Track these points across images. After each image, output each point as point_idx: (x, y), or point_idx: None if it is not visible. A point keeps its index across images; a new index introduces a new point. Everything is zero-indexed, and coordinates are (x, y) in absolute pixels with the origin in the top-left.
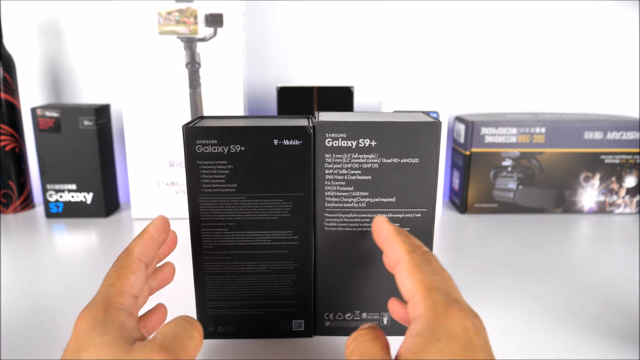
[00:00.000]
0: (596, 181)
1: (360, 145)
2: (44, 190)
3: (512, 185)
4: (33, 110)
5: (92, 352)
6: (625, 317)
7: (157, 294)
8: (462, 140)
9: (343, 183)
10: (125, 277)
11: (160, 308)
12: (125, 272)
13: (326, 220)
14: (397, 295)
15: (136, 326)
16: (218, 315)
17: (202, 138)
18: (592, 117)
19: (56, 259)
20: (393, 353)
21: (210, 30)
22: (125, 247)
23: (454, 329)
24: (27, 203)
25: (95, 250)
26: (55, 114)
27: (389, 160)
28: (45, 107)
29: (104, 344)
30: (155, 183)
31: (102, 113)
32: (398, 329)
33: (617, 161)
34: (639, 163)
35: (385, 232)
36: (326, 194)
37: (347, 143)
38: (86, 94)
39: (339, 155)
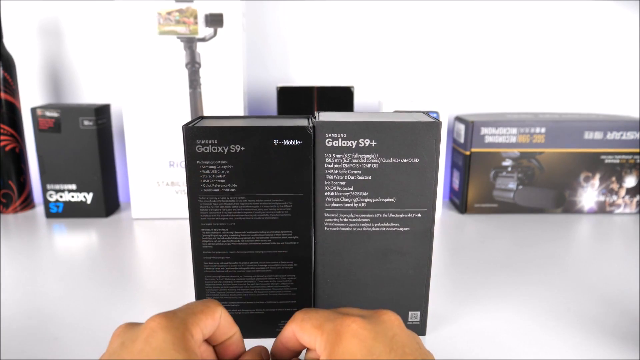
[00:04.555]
0: (596, 181)
1: (360, 145)
2: (44, 190)
3: (512, 185)
4: (33, 110)
5: None
6: (625, 317)
7: (157, 294)
8: (462, 140)
9: (343, 183)
10: (206, 316)
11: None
12: (209, 312)
13: (326, 220)
14: (398, 295)
15: None
16: None
17: (202, 138)
18: (592, 117)
19: (56, 259)
20: None
21: (210, 30)
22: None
23: (348, 348)
24: (27, 203)
25: (95, 250)
26: (55, 114)
27: (389, 160)
28: (45, 107)
29: None
30: (155, 183)
31: (102, 113)
32: None
33: (617, 161)
34: (639, 163)
35: (279, 345)
36: (326, 194)
37: (347, 143)
38: (86, 94)
39: (339, 155)
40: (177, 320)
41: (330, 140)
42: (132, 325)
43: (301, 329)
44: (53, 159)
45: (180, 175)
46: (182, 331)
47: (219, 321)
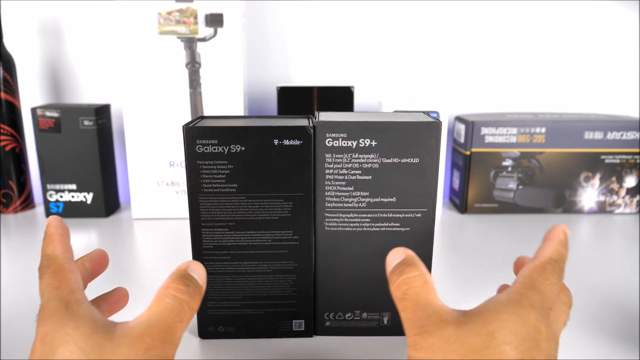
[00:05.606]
0: (596, 181)
1: (360, 145)
2: (44, 190)
3: (512, 185)
4: (33, 110)
5: (72, 347)
6: (625, 317)
7: None
8: (462, 140)
9: (343, 183)
10: (66, 279)
11: (118, 291)
12: (63, 275)
13: (326, 220)
14: None
15: (103, 315)
16: (218, 315)
17: (202, 138)
18: (592, 117)
19: None
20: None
21: (210, 30)
22: (42, 255)
23: (530, 319)
24: (27, 203)
25: None
26: (55, 114)
27: (389, 160)
28: (45, 107)
29: (82, 336)
30: (155, 183)
31: (102, 113)
32: (399, 329)
33: (617, 161)
34: (639, 163)
35: (553, 240)
36: (326, 194)
37: (347, 143)
38: (86, 94)
39: (339, 155)
40: (52, 305)
41: (331, 140)
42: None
43: (532, 270)
44: (53, 159)
45: (180, 175)
46: (65, 307)
47: (75, 268)
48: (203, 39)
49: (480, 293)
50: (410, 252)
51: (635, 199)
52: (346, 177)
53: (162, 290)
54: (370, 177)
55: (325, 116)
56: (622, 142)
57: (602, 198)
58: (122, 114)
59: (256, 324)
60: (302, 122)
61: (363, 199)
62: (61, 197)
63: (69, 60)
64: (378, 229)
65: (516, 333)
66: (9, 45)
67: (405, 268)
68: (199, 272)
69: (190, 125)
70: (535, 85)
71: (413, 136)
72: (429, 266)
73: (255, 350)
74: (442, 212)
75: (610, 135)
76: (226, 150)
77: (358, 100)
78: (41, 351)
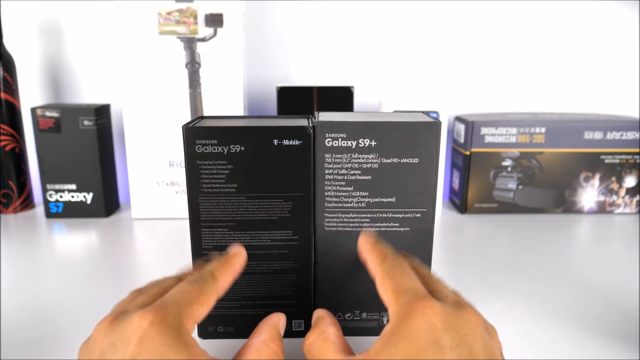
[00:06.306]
0: (596, 181)
1: (360, 145)
2: (44, 190)
3: (512, 185)
4: (33, 110)
5: None
6: (625, 317)
7: None
8: (462, 140)
9: (343, 183)
10: (201, 306)
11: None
12: (204, 301)
13: (326, 220)
14: None
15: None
16: (218, 315)
17: (202, 138)
18: (592, 117)
19: (56, 259)
20: None
21: (210, 30)
22: (208, 267)
23: (415, 329)
24: (27, 203)
25: (95, 250)
26: (55, 114)
27: (388, 160)
28: (45, 107)
29: None
30: (155, 183)
31: (102, 113)
32: None
33: (617, 161)
34: (639, 163)
35: (362, 253)
36: (326, 194)
37: (347, 143)
38: (86, 94)
39: (338, 155)
40: (170, 317)
41: (330, 140)
42: (119, 321)
43: (382, 284)
44: (53, 159)
45: (180, 175)
46: (178, 329)
47: (214, 304)
48: (203, 39)
49: (479, 293)
50: (319, 313)
51: (635, 199)
52: (346, 177)
53: (261, 347)
54: (369, 177)
55: (324, 116)
56: (622, 142)
57: (602, 198)
58: (122, 114)
59: (256, 324)
60: (302, 122)
61: (362, 199)
62: (61, 197)
63: (69, 60)
64: (378, 229)
65: (407, 356)
66: (9, 45)
67: (309, 332)
68: (284, 326)
69: (190, 125)
70: (535, 85)
71: (413, 136)
72: (428, 266)
73: None
74: (442, 212)
75: (610, 135)
76: (226, 151)
77: (358, 100)
78: (134, 351)
